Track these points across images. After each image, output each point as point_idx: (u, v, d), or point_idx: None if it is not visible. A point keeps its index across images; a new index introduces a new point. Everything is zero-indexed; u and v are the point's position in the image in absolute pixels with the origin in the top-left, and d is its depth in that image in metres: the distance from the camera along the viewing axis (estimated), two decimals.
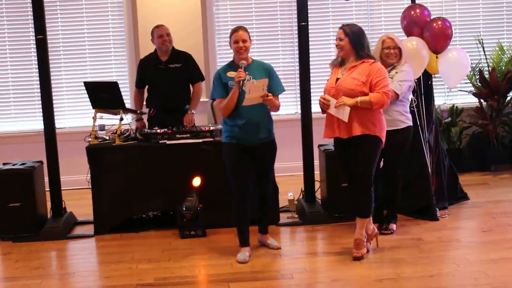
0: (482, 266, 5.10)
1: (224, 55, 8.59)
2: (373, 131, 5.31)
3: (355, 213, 5.49)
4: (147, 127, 6.85)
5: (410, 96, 6.24)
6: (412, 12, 6.64)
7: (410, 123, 6.02)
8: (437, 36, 6.43)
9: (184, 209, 6.09)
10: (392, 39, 5.96)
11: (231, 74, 5.39)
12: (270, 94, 5.29)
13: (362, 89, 5.28)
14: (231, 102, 5.33)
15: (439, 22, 6.46)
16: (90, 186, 6.32)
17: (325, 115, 5.45)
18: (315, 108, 5.97)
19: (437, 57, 6.51)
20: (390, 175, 6.06)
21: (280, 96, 5.53)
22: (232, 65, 5.48)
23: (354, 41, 5.35)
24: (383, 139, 5.38)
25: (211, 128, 6.38)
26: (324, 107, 5.38)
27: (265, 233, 5.77)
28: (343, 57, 5.42)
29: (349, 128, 5.31)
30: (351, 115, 5.24)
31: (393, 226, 6.08)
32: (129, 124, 6.64)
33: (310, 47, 6.58)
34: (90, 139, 6.42)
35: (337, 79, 5.40)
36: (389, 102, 5.47)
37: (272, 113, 5.55)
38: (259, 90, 5.23)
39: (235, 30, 5.43)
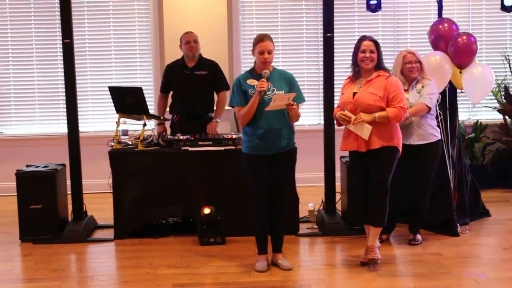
0: (502, 285, 5.05)
1: (249, 64, 8.59)
2: (392, 143, 5.36)
3: (370, 222, 5.48)
4: (168, 132, 6.89)
5: (437, 109, 6.23)
6: (440, 27, 6.59)
7: (440, 136, 6.04)
8: (461, 51, 6.38)
9: (202, 224, 6.13)
10: (413, 54, 5.95)
11: (252, 82, 5.30)
12: (295, 103, 5.22)
13: (380, 104, 5.31)
14: (250, 110, 5.25)
15: (464, 37, 6.41)
16: (112, 191, 6.35)
17: (343, 126, 5.47)
18: None
19: (461, 72, 6.46)
20: (422, 187, 6.03)
21: (303, 106, 5.47)
22: (253, 73, 5.39)
23: (380, 54, 5.38)
24: (400, 148, 5.43)
25: (234, 136, 6.40)
26: (345, 122, 5.40)
27: (277, 252, 5.51)
28: (368, 70, 5.41)
29: (368, 142, 5.33)
30: None
31: (419, 237, 6.11)
32: (152, 130, 6.68)
33: (335, 58, 6.58)
34: (113, 144, 6.47)
35: (354, 93, 5.40)
36: (421, 115, 5.73)
37: (295, 123, 5.51)
38: (285, 100, 5.17)
39: (260, 39, 5.27)
